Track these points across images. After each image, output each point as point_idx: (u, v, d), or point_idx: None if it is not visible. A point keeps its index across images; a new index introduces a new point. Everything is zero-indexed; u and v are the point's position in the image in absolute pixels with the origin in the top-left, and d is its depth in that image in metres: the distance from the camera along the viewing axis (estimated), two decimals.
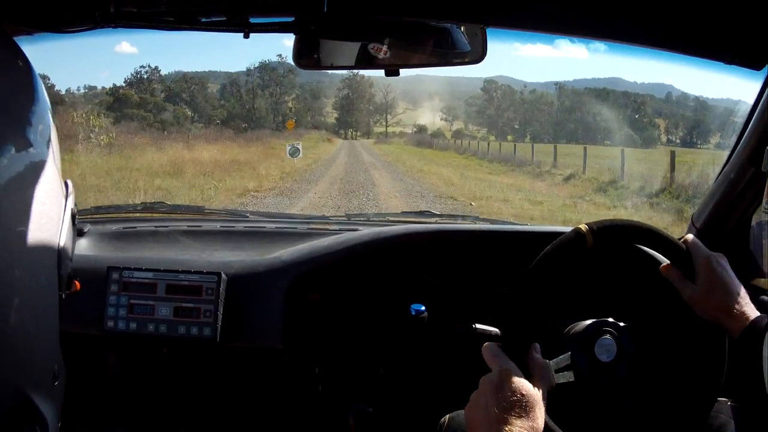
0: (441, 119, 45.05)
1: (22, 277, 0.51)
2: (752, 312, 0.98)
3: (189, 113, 34.49)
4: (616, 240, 1.11)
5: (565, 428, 1.03)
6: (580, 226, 1.08)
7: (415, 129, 43.66)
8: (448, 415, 1.15)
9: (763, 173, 1.08)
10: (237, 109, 37.29)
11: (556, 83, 39.85)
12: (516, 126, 40.02)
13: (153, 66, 38.32)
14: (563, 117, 34.28)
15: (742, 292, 1.00)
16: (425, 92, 46.86)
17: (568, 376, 1.07)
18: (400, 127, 45.21)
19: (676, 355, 1.10)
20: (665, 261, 1.10)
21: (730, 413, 1.08)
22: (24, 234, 0.51)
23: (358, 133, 43.04)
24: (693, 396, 1.04)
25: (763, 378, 0.89)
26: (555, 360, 1.08)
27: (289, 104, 40.15)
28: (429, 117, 45.49)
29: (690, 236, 1.07)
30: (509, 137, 36.04)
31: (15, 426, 0.50)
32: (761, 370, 0.90)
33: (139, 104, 31.46)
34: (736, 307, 0.98)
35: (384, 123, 45.05)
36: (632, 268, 1.26)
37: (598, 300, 1.28)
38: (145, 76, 35.78)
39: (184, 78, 37.59)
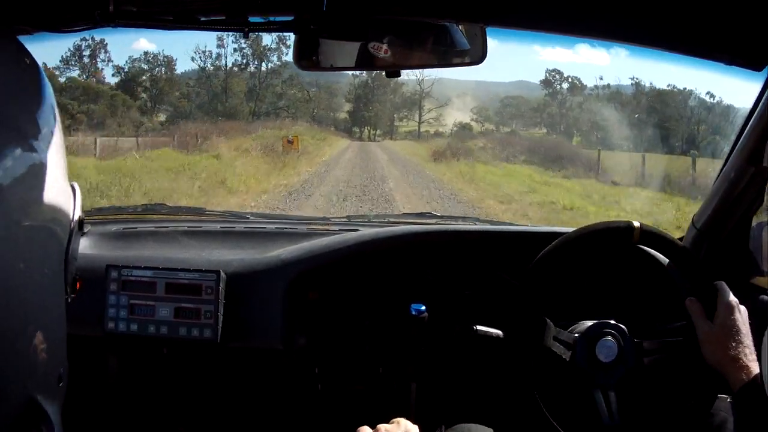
0: (471, 120, 35.18)
1: (27, 273, 0.50)
2: (756, 368, 1.00)
3: (134, 103, 25.64)
4: (659, 249, 1.15)
5: (555, 415, 1.07)
6: (633, 221, 1.11)
7: (455, 128, 32.67)
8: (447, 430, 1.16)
9: (764, 171, 1.08)
10: (204, 96, 27.61)
11: (633, 79, 30.13)
12: (584, 128, 30.58)
13: (98, 40, 26.86)
14: (644, 120, 26.00)
15: (752, 347, 1.03)
16: (453, 90, 36.60)
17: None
18: (436, 126, 34.02)
19: (668, 385, 1.14)
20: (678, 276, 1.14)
21: (730, 410, 1.09)
22: (31, 230, 0.51)
23: (378, 132, 32.20)
24: (668, 428, 1.08)
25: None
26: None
27: (278, 89, 29.02)
28: (459, 117, 35.59)
29: (721, 282, 1.09)
30: (575, 140, 28.86)
31: (22, 427, 0.50)
32: (759, 423, 0.94)
33: (62, 88, 24.17)
34: (743, 359, 1.01)
35: (416, 120, 34.11)
36: (654, 285, 1.28)
37: (608, 306, 1.29)
38: (87, 53, 26.44)
39: (145, 58, 27.95)
